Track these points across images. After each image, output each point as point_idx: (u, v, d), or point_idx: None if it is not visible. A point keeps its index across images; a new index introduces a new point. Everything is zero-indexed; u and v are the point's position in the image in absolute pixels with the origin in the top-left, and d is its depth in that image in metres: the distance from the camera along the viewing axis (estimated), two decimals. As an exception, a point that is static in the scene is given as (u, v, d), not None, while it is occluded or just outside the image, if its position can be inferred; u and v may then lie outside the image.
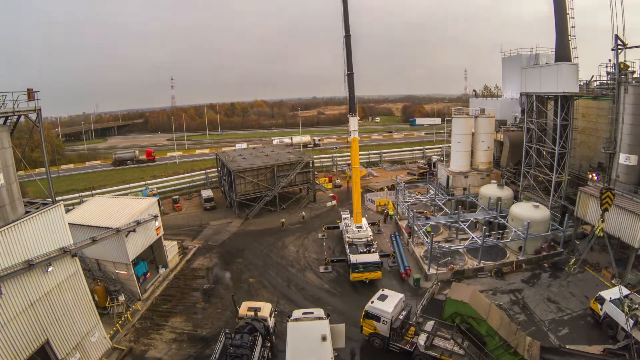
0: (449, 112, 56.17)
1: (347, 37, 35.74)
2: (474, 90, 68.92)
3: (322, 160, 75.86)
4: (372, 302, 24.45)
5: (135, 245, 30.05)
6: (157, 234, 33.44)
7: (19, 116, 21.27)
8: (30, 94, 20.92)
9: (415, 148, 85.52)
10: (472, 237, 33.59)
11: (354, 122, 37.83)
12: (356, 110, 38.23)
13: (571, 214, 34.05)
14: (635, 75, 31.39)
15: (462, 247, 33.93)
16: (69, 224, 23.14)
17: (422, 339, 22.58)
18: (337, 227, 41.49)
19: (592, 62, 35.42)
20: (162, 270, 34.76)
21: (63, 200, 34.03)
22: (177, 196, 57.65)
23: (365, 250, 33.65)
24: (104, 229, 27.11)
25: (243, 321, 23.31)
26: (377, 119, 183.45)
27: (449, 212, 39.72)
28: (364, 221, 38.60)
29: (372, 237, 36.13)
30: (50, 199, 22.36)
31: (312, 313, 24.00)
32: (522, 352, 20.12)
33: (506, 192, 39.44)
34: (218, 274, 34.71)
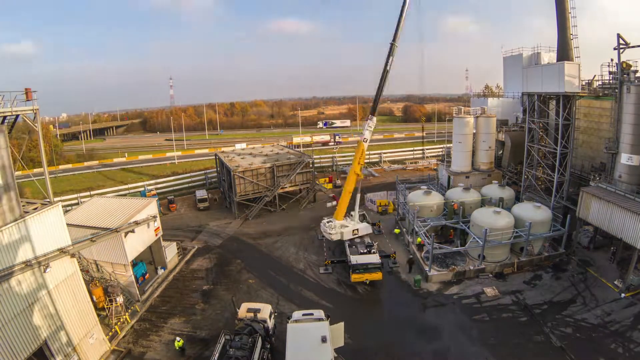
0: (449, 111, 55.99)
1: (392, 45, 34.52)
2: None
3: (322, 160, 75.69)
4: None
5: (134, 246, 29.83)
6: (156, 235, 33.20)
7: (17, 116, 21.08)
8: (28, 94, 20.72)
9: (415, 148, 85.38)
10: (474, 238, 33.39)
11: (364, 126, 37.37)
12: (374, 112, 37.15)
13: (573, 214, 33.87)
14: (638, 74, 31.23)
15: (463, 248, 33.74)
16: (67, 224, 22.95)
17: None
18: None
19: (594, 62, 35.33)
20: (161, 271, 34.53)
21: (61, 200, 33.78)
22: (172, 196, 57.41)
23: (365, 251, 33.45)
24: (103, 229, 26.92)
25: (242, 323, 23.10)
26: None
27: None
28: (358, 223, 38.13)
29: (337, 235, 35.81)
30: (48, 200, 22.15)
31: (312, 314, 23.79)
32: None
33: (507, 193, 39.22)
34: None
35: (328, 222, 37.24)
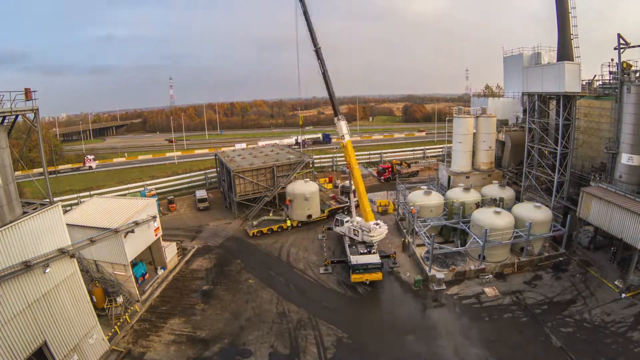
0: (450, 111, 56.01)
1: (317, 51, 34.68)
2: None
3: (322, 160, 75.65)
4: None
5: (134, 246, 29.80)
6: (156, 235, 33.17)
7: (17, 116, 21.01)
8: (28, 94, 20.65)
9: (416, 148, 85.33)
10: (474, 238, 33.35)
11: (342, 127, 35.76)
12: (338, 113, 35.97)
13: (573, 214, 33.84)
14: (638, 74, 31.21)
15: (463, 248, 33.69)
16: (67, 224, 22.90)
17: None
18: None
19: (594, 61, 35.29)
20: (160, 272, 34.50)
21: (61, 200, 33.75)
22: (172, 196, 57.53)
23: (365, 251, 33.41)
24: (102, 229, 26.87)
25: None
26: (371, 118, 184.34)
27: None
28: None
29: (374, 238, 34.31)
30: (48, 200, 22.11)
31: None
32: None
33: (508, 193, 39.20)
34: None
35: (375, 223, 34.81)
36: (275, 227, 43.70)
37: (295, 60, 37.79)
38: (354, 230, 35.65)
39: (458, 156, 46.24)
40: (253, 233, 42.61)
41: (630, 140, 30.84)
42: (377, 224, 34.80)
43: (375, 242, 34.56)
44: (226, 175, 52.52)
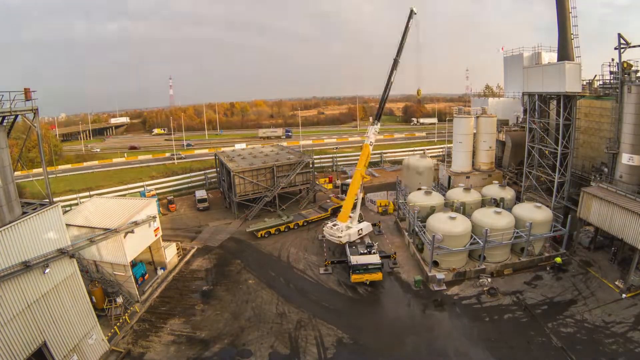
0: (450, 111, 56.03)
1: (395, 61, 36.67)
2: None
3: (322, 160, 75.59)
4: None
5: (134, 246, 29.76)
6: (156, 235, 33.12)
7: (16, 116, 20.96)
8: (27, 94, 20.60)
9: (416, 148, 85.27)
10: (473, 237, 33.28)
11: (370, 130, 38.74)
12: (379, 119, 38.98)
13: (574, 214, 33.79)
14: (639, 74, 31.17)
15: (464, 248, 33.61)
16: (66, 224, 22.90)
17: None
18: None
19: (595, 61, 35.28)
20: (160, 272, 34.45)
21: (60, 201, 33.67)
22: (172, 196, 57.62)
23: (365, 251, 33.38)
24: (102, 229, 26.84)
25: None
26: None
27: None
28: (358, 224, 38.26)
29: (346, 237, 35.84)
30: (47, 200, 22.07)
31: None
32: None
33: (508, 193, 39.15)
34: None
35: (333, 225, 37.37)
36: (282, 227, 43.54)
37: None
38: (331, 225, 37.53)
39: (458, 156, 46.21)
40: (261, 234, 42.32)
41: (630, 140, 30.82)
42: (348, 227, 36.84)
43: (345, 241, 36.03)
44: (226, 175, 52.49)
